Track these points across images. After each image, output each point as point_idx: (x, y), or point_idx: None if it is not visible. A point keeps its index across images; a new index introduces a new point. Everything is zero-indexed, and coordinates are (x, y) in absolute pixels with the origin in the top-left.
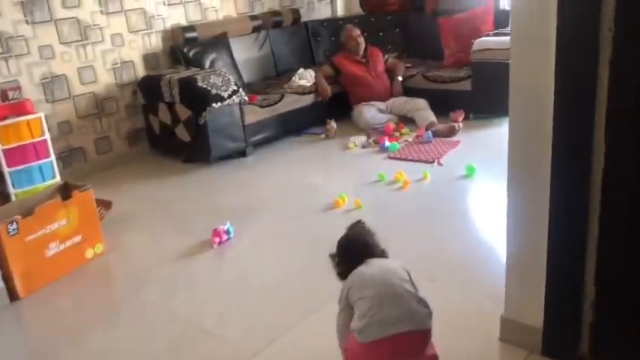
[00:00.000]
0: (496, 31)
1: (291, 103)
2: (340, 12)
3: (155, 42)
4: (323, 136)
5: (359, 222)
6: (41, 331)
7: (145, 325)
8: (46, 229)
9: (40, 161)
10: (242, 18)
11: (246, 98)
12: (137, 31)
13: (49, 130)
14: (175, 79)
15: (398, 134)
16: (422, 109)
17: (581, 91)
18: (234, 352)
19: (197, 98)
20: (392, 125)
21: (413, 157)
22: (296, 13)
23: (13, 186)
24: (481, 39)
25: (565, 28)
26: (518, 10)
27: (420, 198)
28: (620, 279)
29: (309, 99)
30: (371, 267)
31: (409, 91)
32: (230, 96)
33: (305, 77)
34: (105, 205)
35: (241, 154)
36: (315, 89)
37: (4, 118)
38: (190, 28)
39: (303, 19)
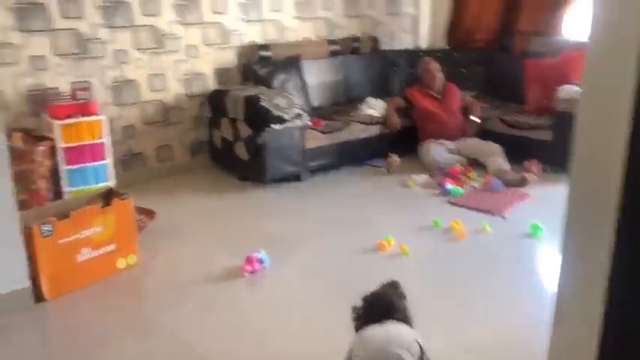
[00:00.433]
0: None
1: (355, 131)
2: (424, 44)
3: (229, 57)
4: (384, 169)
5: (393, 283)
6: (58, 335)
7: (150, 347)
8: (81, 234)
9: (96, 163)
10: (320, 41)
11: (308, 122)
12: (213, 44)
13: (113, 132)
14: (241, 96)
15: (464, 178)
16: (494, 155)
17: None
18: None
19: (258, 117)
20: (459, 167)
21: (475, 205)
22: (375, 41)
23: (69, 185)
24: (569, 87)
25: None
26: (593, 59)
27: (474, 253)
28: None
29: (375, 129)
30: (379, 329)
31: (483, 134)
32: (292, 119)
33: (374, 107)
34: (148, 214)
35: (297, 178)
36: (383, 120)
37: (69, 116)
38: (265, 46)
39: (383, 47)
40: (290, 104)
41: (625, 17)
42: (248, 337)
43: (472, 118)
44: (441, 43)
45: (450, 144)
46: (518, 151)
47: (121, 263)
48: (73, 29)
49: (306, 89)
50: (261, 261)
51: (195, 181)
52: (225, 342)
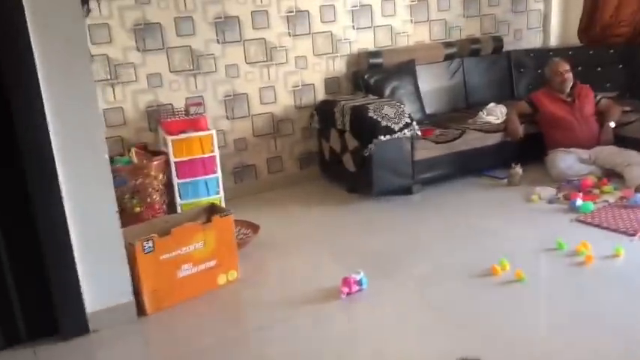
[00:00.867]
0: None
1: (472, 140)
2: (554, 42)
3: (339, 66)
4: (505, 181)
5: None
6: (158, 349)
7: None
8: (181, 250)
9: (207, 176)
10: (435, 44)
11: (418, 132)
12: (322, 54)
13: (225, 145)
14: (348, 106)
15: (597, 192)
16: (635, 165)
17: None
18: None
19: (365, 129)
20: (591, 180)
21: (608, 224)
22: (498, 40)
23: (180, 197)
24: None
25: None
26: None
27: (603, 283)
28: None
29: (495, 138)
30: None
31: (623, 141)
32: (401, 129)
33: (494, 113)
34: (253, 228)
35: (407, 191)
36: (504, 127)
37: (181, 131)
38: (376, 53)
39: (507, 47)
40: (399, 114)
41: None
42: None
43: (609, 123)
44: (574, 41)
45: (583, 153)
46: None
47: (221, 279)
48: (187, 46)
49: (420, 96)
50: (359, 283)
51: (304, 192)
52: None
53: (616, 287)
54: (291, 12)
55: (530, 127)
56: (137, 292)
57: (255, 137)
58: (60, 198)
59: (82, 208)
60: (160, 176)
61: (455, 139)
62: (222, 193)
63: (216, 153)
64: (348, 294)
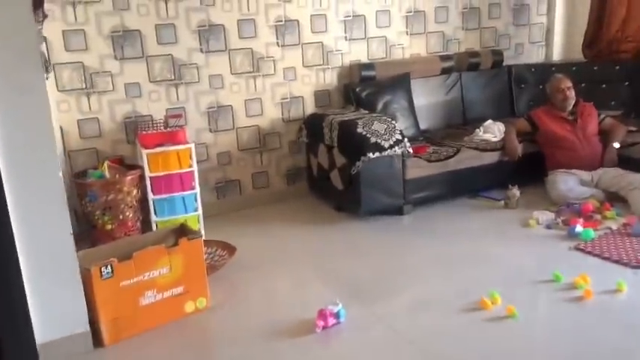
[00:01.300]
0: None
1: (467, 159)
2: (556, 57)
3: (329, 78)
4: (501, 203)
5: None
6: None
7: None
8: (144, 276)
9: (185, 192)
10: (431, 58)
11: (410, 150)
12: (312, 65)
13: (208, 159)
14: (337, 121)
15: (599, 217)
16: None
17: None
18: None
19: (353, 145)
20: (593, 204)
21: (610, 254)
22: (498, 54)
23: (156, 214)
24: None
25: None
26: None
27: (604, 322)
28: None
29: (491, 157)
30: None
31: (627, 162)
32: (392, 146)
33: (492, 131)
34: (229, 250)
35: (398, 211)
36: (502, 146)
37: (158, 144)
38: (369, 65)
39: (507, 62)
40: (389, 130)
41: None
42: None
43: (613, 144)
44: (578, 56)
45: (585, 174)
46: None
47: (189, 307)
48: (168, 55)
49: (414, 111)
50: (336, 315)
51: (290, 210)
52: None
53: (617, 326)
54: (280, 21)
55: (530, 147)
56: (94, 321)
57: (239, 151)
58: (7, 221)
59: (31, 231)
60: (134, 192)
61: (449, 157)
62: (200, 211)
63: (195, 168)
64: (324, 327)
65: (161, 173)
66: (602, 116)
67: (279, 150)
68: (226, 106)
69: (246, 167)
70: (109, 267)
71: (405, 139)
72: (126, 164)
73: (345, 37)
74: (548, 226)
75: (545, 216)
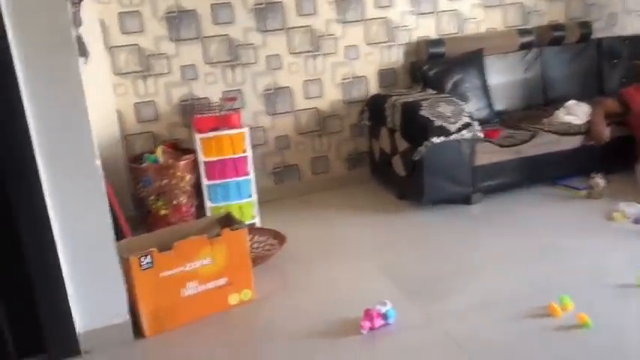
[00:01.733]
0: None
1: (545, 145)
2: None
3: (395, 56)
4: (584, 192)
5: None
6: None
7: None
8: (185, 267)
9: (239, 178)
10: (508, 32)
11: (480, 134)
12: (376, 43)
13: (265, 143)
14: (399, 102)
15: None
16: None
17: None
18: None
19: (416, 129)
20: None
21: None
22: (586, 27)
23: (210, 200)
24: None
25: None
26: None
27: None
28: None
29: (573, 141)
30: None
31: None
32: (459, 130)
33: (575, 112)
34: (280, 239)
35: (465, 200)
36: (587, 129)
37: (213, 129)
38: (438, 42)
39: (597, 34)
40: (457, 112)
41: None
42: None
43: None
44: None
45: None
46: None
47: (233, 299)
48: (224, 35)
49: (488, 91)
50: (384, 316)
51: (349, 196)
52: None
53: None
54: None
55: (619, 130)
56: (135, 312)
57: (298, 135)
58: (45, 211)
59: (69, 220)
60: (188, 177)
61: (524, 142)
62: (254, 197)
63: (249, 153)
64: (371, 329)
65: (214, 158)
66: None
67: (339, 133)
68: (284, 88)
69: (305, 151)
70: (148, 257)
71: (475, 122)
72: (181, 148)
73: (412, 12)
74: (636, 221)
75: (634, 209)
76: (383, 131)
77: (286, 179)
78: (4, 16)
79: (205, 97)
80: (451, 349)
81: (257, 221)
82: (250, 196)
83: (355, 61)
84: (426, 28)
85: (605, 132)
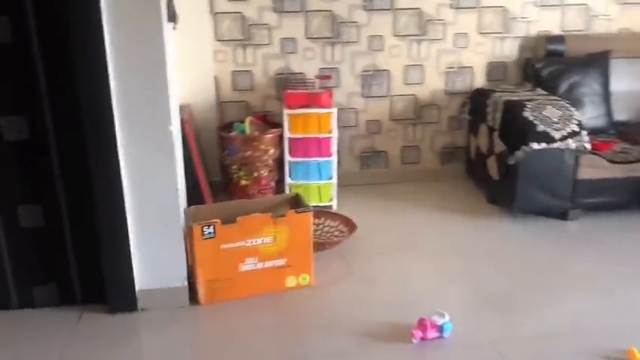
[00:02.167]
0: None
1: None
2: None
3: (508, 49)
4: None
5: None
6: (206, 342)
7: None
8: (246, 242)
9: (321, 158)
10: None
11: (587, 145)
12: (489, 33)
13: (357, 125)
14: (503, 100)
15: None
16: None
17: None
18: None
19: (515, 131)
20: None
21: None
22: None
23: (290, 177)
24: None
25: None
26: None
27: None
28: None
29: None
30: None
31: None
32: (564, 138)
33: None
34: (350, 226)
35: (562, 215)
36: None
37: (302, 106)
38: (559, 38)
39: None
40: (565, 118)
41: None
42: None
43: None
44: None
45: None
46: None
47: (290, 281)
48: (328, 11)
49: (609, 98)
50: (439, 329)
51: (437, 192)
52: None
53: None
54: None
55: None
56: (193, 278)
57: (391, 121)
58: (117, 169)
59: (140, 181)
60: (272, 151)
61: (639, 160)
62: (335, 179)
63: (335, 134)
64: (422, 339)
65: (299, 135)
66: None
67: (436, 124)
68: (383, 71)
69: (396, 139)
70: (211, 227)
71: (584, 132)
72: (270, 122)
73: (535, 3)
74: None
75: None
76: (482, 128)
77: (373, 165)
78: None
79: (301, 73)
80: None
81: (334, 204)
82: (331, 177)
83: (463, 50)
84: (548, 22)
85: None
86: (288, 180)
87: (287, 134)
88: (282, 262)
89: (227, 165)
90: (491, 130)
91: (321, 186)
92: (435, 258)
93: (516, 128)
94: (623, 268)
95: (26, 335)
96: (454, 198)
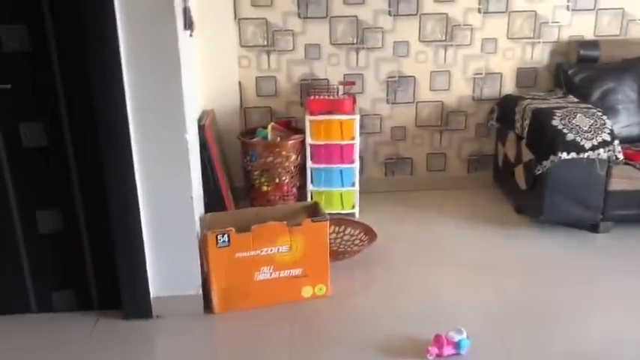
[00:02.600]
0: None
1: None
2: None
3: (538, 55)
4: None
5: None
6: (219, 350)
7: None
8: (262, 251)
9: (344, 165)
10: None
11: (619, 155)
12: (518, 38)
13: (381, 132)
14: (531, 107)
15: None
16: None
17: None
18: None
19: (544, 140)
20: None
21: None
22: None
23: (312, 183)
24: None
25: None
26: None
27: None
28: None
29: None
30: None
31: None
32: (594, 148)
33: None
34: (371, 236)
35: (592, 227)
36: None
37: (326, 112)
38: (593, 43)
39: None
40: (597, 127)
41: None
42: None
43: None
44: None
45: None
46: None
47: (306, 292)
48: (353, 16)
49: None
50: (456, 345)
51: (462, 201)
52: None
53: None
54: None
55: None
56: (207, 287)
57: (417, 127)
58: (132, 175)
59: (154, 189)
60: (294, 157)
61: None
62: (357, 186)
63: (357, 141)
64: (437, 356)
65: (321, 142)
66: None
67: (463, 131)
68: (409, 77)
69: (422, 146)
70: (225, 236)
71: (616, 142)
72: (292, 127)
73: (567, 7)
74: None
75: None
76: (510, 136)
77: (397, 172)
78: None
79: (325, 79)
80: None
81: (356, 212)
82: (353, 184)
83: (491, 55)
84: (581, 27)
85: None
86: (309, 186)
87: (309, 140)
88: (298, 271)
89: (249, 171)
90: (519, 138)
91: (344, 193)
92: (459, 269)
93: (544, 137)
94: None
95: (44, 339)
96: (481, 207)
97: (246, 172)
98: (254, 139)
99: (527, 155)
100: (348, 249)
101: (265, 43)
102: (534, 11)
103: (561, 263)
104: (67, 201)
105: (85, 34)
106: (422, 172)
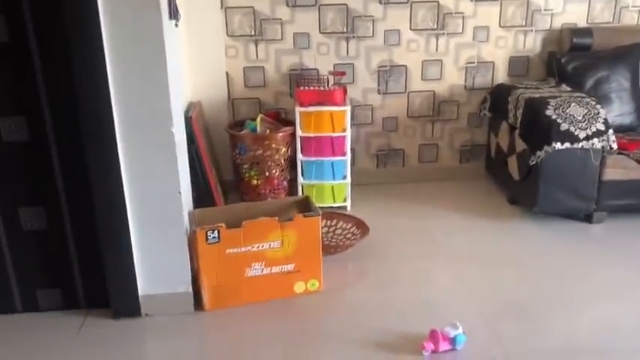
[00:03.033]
0: None
1: None
2: None
3: (531, 43)
4: None
5: None
6: (210, 348)
7: None
8: (252, 247)
9: (335, 158)
10: None
11: (613, 145)
12: (511, 26)
13: (372, 123)
14: (524, 97)
15: None
16: None
17: None
18: None
19: (538, 130)
20: None
21: None
22: None
23: (303, 176)
24: None
25: None
26: None
27: None
28: None
29: None
30: None
31: None
32: (588, 138)
33: None
34: (363, 230)
35: (586, 217)
36: None
37: (315, 103)
38: (586, 31)
39: None
40: (590, 117)
41: None
42: None
43: None
44: None
45: None
46: None
47: (299, 287)
48: (343, 5)
49: (638, 94)
50: (452, 341)
51: (455, 192)
52: None
53: None
54: None
55: None
56: (197, 284)
57: (408, 118)
58: (118, 170)
59: (140, 185)
60: (283, 150)
61: None
62: (348, 179)
63: (348, 133)
64: (433, 352)
65: (312, 134)
66: None
67: (455, 121)
68: (400, 66)
69: (413, 137)
70: (215, 232)
71: (610, 131)
72: (282, 119)
73: None
74: None
75: None
76: (503, 126)
77: (389, 164)
78: None
79: (315, 69)
80: None
81: (348, 205)
82: (345, 177)
83: (484, 44)
84: (574, 15)
85: None
86: (300, 180)
87: (299, 133)
88: (290, 267)
89: (238, 164)
90: (512, 128)
91: (335, 186)
92: (453, 262)
93: (538, 127)
94: None
95: (30, 340)
96: (473, 198)
97: (235, 165)
98: (243, 132)
99: (520, 145)
100: (340, 243)
101: (253, 32)
102: None
103: (555, 254)
104: (50, 197)
105: (67, 24)
106: (414, 163)
